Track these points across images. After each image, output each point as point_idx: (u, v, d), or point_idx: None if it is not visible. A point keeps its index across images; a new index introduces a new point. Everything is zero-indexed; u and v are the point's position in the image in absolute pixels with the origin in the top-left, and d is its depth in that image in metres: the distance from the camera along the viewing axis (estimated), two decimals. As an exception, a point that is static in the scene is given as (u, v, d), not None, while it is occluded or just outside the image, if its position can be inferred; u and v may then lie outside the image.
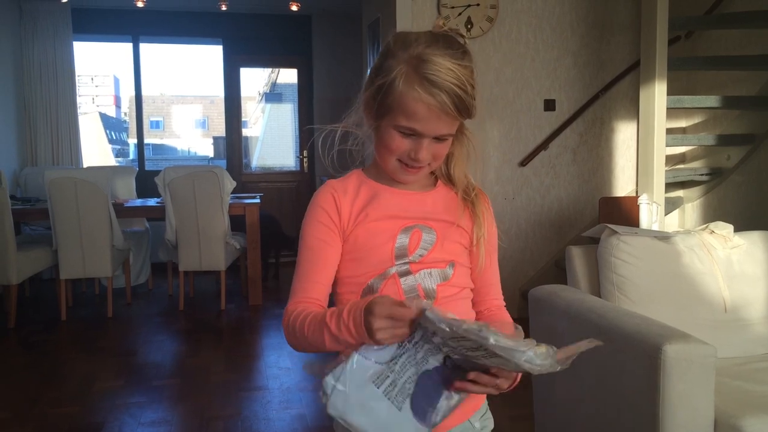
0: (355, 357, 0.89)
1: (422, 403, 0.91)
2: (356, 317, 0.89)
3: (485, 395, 1.10)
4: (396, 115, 0.99)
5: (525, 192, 4.24)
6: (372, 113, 1.04)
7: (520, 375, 0.93)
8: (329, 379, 0.89)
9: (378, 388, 0.89)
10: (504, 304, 1.16)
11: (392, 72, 0.98)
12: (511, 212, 4.22)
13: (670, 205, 4.19)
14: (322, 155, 1.10)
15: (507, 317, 1.12)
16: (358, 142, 1.10)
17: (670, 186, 4.09)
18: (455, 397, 0.92)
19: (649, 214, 3.71)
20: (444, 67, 0.95)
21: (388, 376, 0.89)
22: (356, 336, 0.89)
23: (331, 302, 1.06)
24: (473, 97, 0.98)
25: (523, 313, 2.35)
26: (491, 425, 1.11)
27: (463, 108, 0.97)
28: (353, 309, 0.90)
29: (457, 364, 0.90)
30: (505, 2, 4.08)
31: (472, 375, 0.89)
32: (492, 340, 0.78)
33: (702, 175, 4.15)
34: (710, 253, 2.21)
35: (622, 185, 4.38)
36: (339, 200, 1.05)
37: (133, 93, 6.77)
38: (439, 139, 1.00)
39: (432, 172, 1.11)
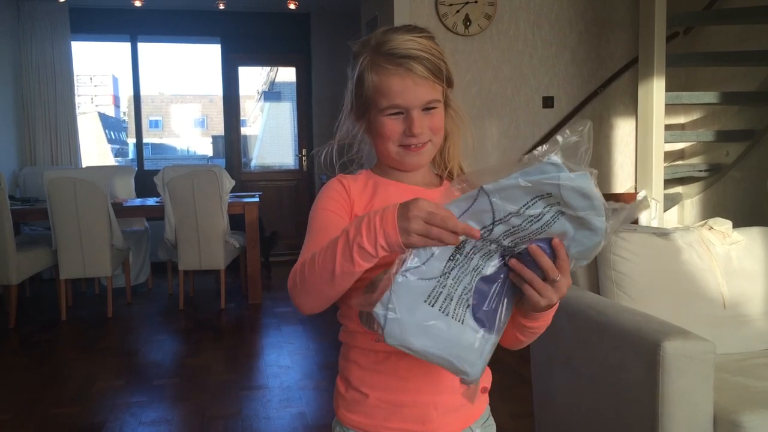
0: (398, 278, 0.80)
1: (485, 310, 0.85)
2: (387, 212, 0.80)
3: (487, 402, 1.10)
4: (377, 100, 0.99)
5: (524, 189, 4.24)
6: (357, 114, 1.04)
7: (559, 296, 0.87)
8: (378, 310, 0.81)
9: (432, 306, 0.81)
10: None
11: (358, 67, 1.01)
12: (510, 209, 4.21)
13: (669, 202, 4.19)
14: (327, 170, 1.10)
15: None
16: (355, 150, 1.10)
17: (668, 182, 4.09)
18: (512, 291, 0.86)
19: (648, 211, 3.72)
20: (402, 40, 0.98)
21: (441, 292, 0.82)
22: (382, 234, 0.79)
23: None
24: (443, 62, 0.99)
25: (523, 310, 2.36)
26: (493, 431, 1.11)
27: (435, 70, 0.98)
28: (383, 208, 0.82)
29: (516, 253, 0.84)
30: (503, -1, 4.09)
31: (533, 246, 0.82)
32: (564, 178, 0.76)
33: (701, 171, 4.15)
34: (709, 250, 2.21)
35: (621, 182, 4.38)
36: (349, 186, 1.05)
37: (131, 92, 6.77)
38: (428, 109, 1.00)
39: (438, 175, 1.10)
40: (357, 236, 0.82)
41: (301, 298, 0.92)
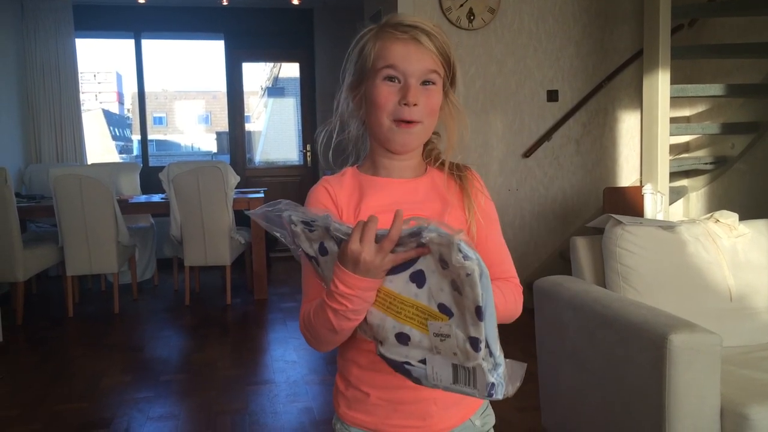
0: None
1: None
2: (338, 273, 0.84)
3: None
4: (375, 64, 0.98)
5: (529, 183, 4.24)
6: (353, 85, 1.03)
7: None
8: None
9: None
10: (518, 281, 1.12)
11: (362, 39, 1.01)
12: (515, 204, 4.21)
13: (675, 195, 4.18)
14: (319, 154, 1.09)
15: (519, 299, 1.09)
16: (350, 132, 1.07)
17: (674, 175, 4.08)
18: None
19: (654, 204, 3.71)
20: (412, 17, 0.99)
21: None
22: (356, 286, 0.83)
23: None
24: (448, 46, 0.99)
25: (528, 304, 2.34)
26: (492, 421, 1.11)
27: (440, 48, 0.98)
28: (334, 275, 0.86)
29: None
30: (506, -7, 4.07)
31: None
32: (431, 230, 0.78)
33: (706, 164, 4.13)
34: (715, 242, 2.21)
35: (626, 175, 4.36)
36: (335, 193, 1.03)
37: (135, 89, 6.78)
38: (426, 83, 0.98)
39: (426, 165, 1.09)
40: (340, 316, 0.87)
41: (318, 346, 0.98)
